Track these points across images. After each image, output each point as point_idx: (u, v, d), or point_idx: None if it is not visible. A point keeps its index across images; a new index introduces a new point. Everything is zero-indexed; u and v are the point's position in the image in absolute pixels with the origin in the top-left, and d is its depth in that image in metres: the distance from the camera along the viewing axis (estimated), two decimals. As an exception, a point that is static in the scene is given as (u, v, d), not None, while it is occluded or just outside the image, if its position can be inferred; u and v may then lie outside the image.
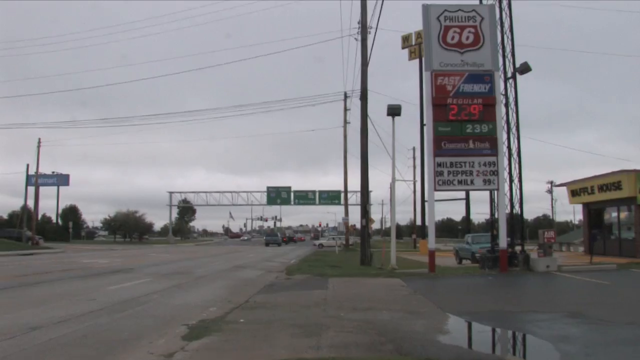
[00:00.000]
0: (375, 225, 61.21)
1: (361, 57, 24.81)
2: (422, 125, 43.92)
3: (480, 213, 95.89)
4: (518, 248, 21.33)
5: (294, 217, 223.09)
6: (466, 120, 20.04)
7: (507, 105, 21.41)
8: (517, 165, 21.36)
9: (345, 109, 49.68)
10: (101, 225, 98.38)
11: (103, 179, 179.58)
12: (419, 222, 55.87)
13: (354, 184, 58.42)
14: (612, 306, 11.96)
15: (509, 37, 21.62)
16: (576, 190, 33.28)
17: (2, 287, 15.07)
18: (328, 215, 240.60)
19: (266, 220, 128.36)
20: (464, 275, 20.07)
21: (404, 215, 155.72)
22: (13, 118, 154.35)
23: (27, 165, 56.32)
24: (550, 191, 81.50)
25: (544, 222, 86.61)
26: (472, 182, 19.93)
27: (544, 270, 19.81)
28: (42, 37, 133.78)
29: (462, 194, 42.35)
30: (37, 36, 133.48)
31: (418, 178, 55.72)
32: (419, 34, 48.01)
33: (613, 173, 28.37)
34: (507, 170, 20.95)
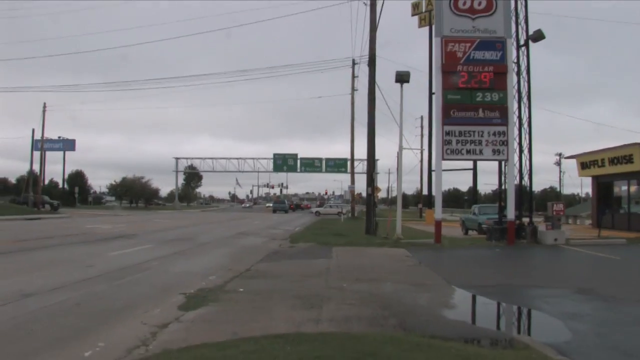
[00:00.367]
0: (381, 194, 60.78)
1: (370, 22, 24.10)
2: (430, 94, 43.15)
3: (486, 184, 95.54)
4: (526, 220, 20.99)
5: (300, 184, 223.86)
6: (476, 89, 19.52)
7: (518, 73, 20.80)
8: (527, 136, 20.88)
9: (353, 76, 48.84)
10: (107, 190, 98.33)
11: (110, 145, 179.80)
12: (425, 191, 55.43)
13: (361, 152, 57.64)
14: (623, 282, 11.62)
15: (523, 3, 20.89)
16: (586, 162, 32.72)
17: (1, 252, 14.88)
18: (334, 183, 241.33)
19: (272, 187, 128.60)
20: (471, 247, 19.77)
21: (411, 185, 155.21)
22: (20, 82, 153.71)
23: (33, 130, 56.04)
24: (558, 163, 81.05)
25: (551, 194, 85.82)
26: (481, 152, 19.50)
27: (552, 243, 19.48)
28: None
29: (470, 164, 41.80)
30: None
31: (425, 147, 55.18)
32: (429, 1, 46.96)
33: (625, 146, 27.79)
34: (517, 141, 20.46)
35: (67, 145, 77.63)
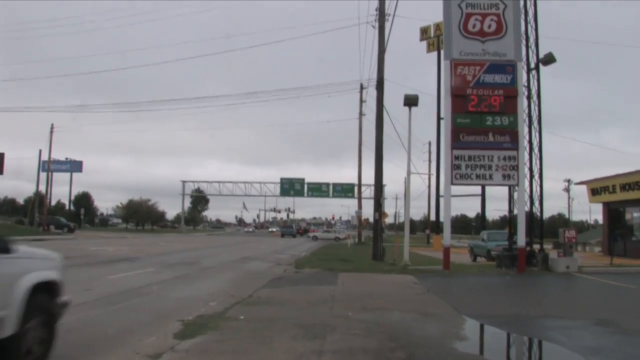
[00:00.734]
0: (388, 220, 60.38)
1: (378, 44, 23.94)
2: (439, 118, 42.95)
3: (496, 209, 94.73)
4: (536, 247, 20.47)
5: (307, 209, 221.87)
6: (486, 112, 19.18)
7: (529, 97, 20.49)
8: (537, 161, 20.46)
9: (361, 101, 48.70)
10: (113, 212, 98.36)
11: (117, 167, 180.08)
12: (433, 217, 54.94)
13: (369, 177, 57.43)
14: (643, 314, 11.08)
15: (533, 26, 20.67)
16: (597, 188, 32.24)
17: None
18: (342, 209, 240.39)
19: (279, 212, 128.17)
20: (480, 274, 19.25)
21: (418, 210, 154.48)
22: (29, 102, 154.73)
23: (40, 151, 56.14)
24: (567, 189, 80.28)
25: (559, 220, 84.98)
26: (490, 176, 19.07)
27: (564, 270, 18.93)
28: (58, 19, 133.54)
29: (478, 190, 41.16)
30: (53, 18, 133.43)
31: (433, 172, 54.81)
32: (437, 26, 46.97)
33: (637, 172, 27.38)
34: (528, 166, 20.06)
35: (74, 166, 77.57)
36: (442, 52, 33.10)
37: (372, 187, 30.74)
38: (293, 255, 29.23)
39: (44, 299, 5.68)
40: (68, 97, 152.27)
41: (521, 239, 19.19)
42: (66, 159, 75.39)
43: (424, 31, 50.97)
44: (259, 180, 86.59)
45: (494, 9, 19.60)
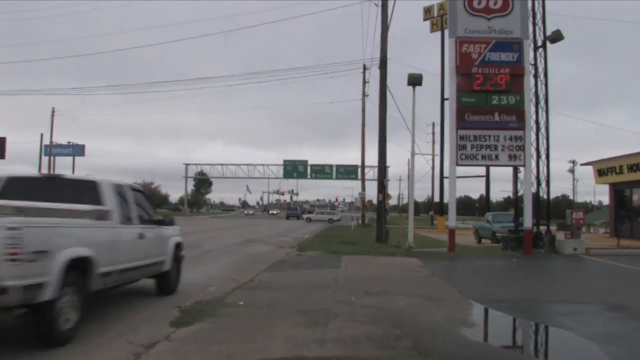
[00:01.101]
0: (392, 202, 60.25)
1: (381, 23, 23.37)
2: (442, 99, 42.35)
3: (502, 190, 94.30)
4: (543, 228, 20.14)
5: (311, 191, 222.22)
6: (492, 91, 18.79)
7: (536, 76, 20.03)
8: (544, 141, 20.09)
9: (364, 81, 48.22)
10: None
11: (119, 151, 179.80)
12: (437, 198, 54.68)
13: (372, 159, 57.48)
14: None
15: (540, 2, 20.13)
16: (603, 169, 31.80)
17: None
18: (345, 190, 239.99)
19: (283, 194, 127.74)
20: (486, 256, 18.96)
21: (422, 192, 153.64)
22: (29, 85, 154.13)
23: (42, 135, 55.86)
24: (571, 170, 79.74)
25: (563, 202, 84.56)
26: (496, 157, 18.71)
27: (571, 252, 18.63)
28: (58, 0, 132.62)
29: (482, 171, 40.69)
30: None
31: (437, 153, 54.32)
32: (441, 6, 46.28)
33: (645, 152, 26.92)
34: (534, 146, 19.66)
35: (77, 150, 77.13)
36: (446, 31, 32.51)
37: (376, 169, 30.42)
38: (296, 238, 28.94)
39: (179, 250, 10.10)
40: (69, 81, 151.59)
41: (528, 221, 18.87)
42: (68, 142, 75.04)
43: (427, 11, 50.17)
44: (261, 163, 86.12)
45: (500, -15, 19.08)
